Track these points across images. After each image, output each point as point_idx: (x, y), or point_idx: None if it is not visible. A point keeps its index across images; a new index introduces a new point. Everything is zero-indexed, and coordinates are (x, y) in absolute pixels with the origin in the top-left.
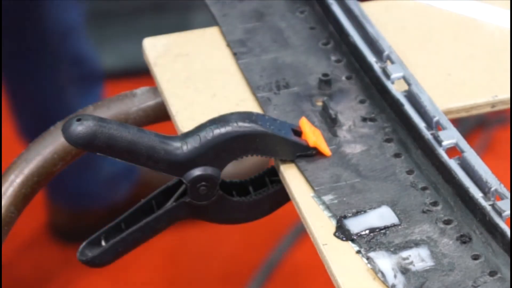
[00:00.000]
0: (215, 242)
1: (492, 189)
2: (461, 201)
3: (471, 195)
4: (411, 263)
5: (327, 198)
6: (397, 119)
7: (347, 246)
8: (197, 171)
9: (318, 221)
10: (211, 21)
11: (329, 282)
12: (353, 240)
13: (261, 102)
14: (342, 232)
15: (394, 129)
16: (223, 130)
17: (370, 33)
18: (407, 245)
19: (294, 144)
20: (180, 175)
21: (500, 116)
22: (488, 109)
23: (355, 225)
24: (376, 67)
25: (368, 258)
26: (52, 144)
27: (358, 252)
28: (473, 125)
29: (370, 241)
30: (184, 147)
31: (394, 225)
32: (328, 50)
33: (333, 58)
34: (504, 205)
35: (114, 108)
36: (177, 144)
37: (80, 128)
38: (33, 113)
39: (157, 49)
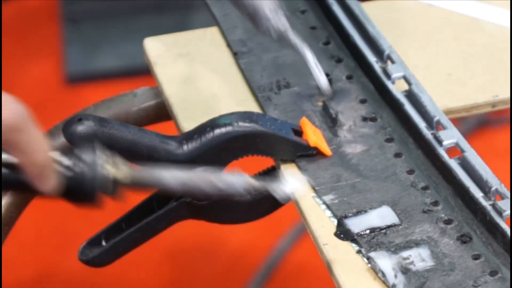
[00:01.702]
0: (215, 242)
1: (493, 188)
2: (461, 201)
3: (471, 195)
4: (412, 263)
5: (327, 198)
6: (397, 119)
7: (347, 246)
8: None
9: (318, 221)
10: (211, 21)
11: (329, 282)
12: (353, 240)
13: (261, 102)
14: (343, 232)
15: (394, 129)
16: (223, 130)
17: (370, 33)
18: (407, 245)
19: (294, 144)
20: None
21: (500, 116)
22: (488, 109)
23: (356, 225)
24: (377, 67)
25: (368, 258)
26: (52, 144)
27: (359, 252)
28: (474, 125)
29: (371, 241)
30: (185, 147)
31: (394, 225)
32: (328, 50)
33: (333, 58)
34: (504, 204)
35: (115, 108)
36: (177, 144)
37: (80, 128)
38: None
39: (157, 49)
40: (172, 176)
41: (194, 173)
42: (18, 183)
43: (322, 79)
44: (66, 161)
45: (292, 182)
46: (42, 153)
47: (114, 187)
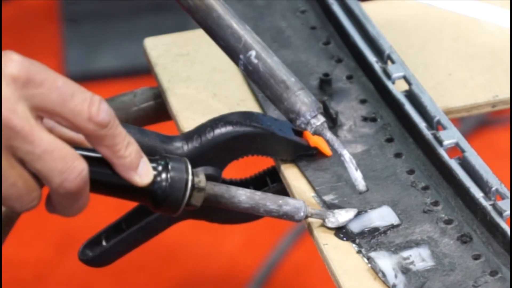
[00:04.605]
0: (215, 242)
1: (493, 188)
2: (461, 201)
3: (471, 195)
4: (412, 263)
5: (327, 198)
6: (397, 119)
7: (347, 246)
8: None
9: (318, 221)
10: None
11: (329, 282)
12: (354, 240)
13: (261, 102)
14: (343, 232)
15: (394, 129)
16: (223, 130)
17: (370, 33)
18: (407, 245)
19: (295, 144)
20: None
21: (500, 116)
22: (488, 109)
23: (356, 225)
24: (377, 67)
25: (368, 258)
26: None
27: (359, 252)
28: (474, 125)
29: (371, 241)
30: (185, 147)
31: (394, 225)
32: (328, 50)
33: (333, 58)
34: (504, 204)
35: (115, 108)
36: (177, 144)
37: None
38: None
39: (158, 49)
40: (247, 195)
41: (263, 194)
42: (109, 179)
43: (358, 177)
44: (153, 164)
45: (344, 213)
46: (131, 144)
47: (197, 195)
